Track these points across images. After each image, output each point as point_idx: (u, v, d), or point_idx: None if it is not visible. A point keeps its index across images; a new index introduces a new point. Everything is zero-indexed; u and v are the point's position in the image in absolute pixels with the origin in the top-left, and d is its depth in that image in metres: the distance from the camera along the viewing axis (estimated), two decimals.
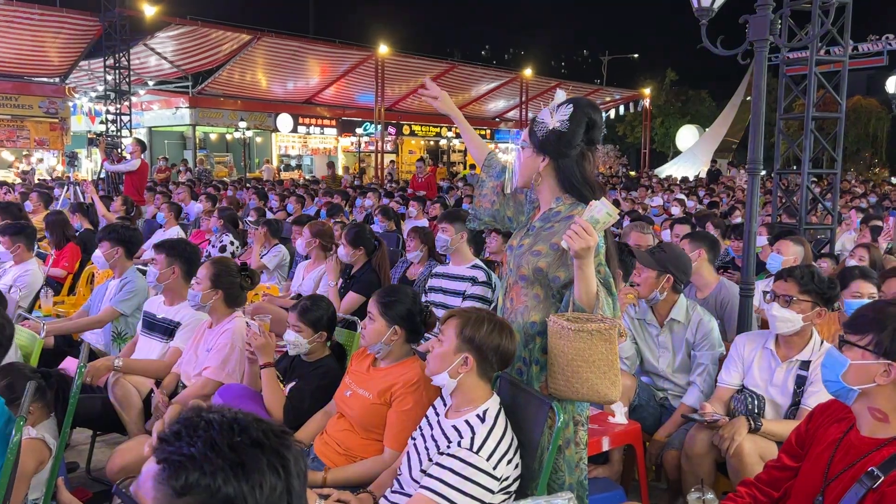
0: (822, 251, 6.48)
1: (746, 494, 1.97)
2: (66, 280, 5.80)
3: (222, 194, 11.71)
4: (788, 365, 2.88)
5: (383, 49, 22.46)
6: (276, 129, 25.68)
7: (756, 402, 2.85)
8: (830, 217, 7.01)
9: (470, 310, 2.31)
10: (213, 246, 6.54)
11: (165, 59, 21.10)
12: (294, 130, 26.09)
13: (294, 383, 3.01)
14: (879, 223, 6.87)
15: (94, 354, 3.77)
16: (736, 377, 3.00)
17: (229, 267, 3.43)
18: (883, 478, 1.62)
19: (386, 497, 2.34)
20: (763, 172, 7.54)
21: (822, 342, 2.88)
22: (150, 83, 22.80)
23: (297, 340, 2.97)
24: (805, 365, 2.83)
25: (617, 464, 3.16)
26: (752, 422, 2.73)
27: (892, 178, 26.02)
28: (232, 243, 6.42)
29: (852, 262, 5.04)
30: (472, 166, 25.78)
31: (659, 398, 3.34)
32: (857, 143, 33.57)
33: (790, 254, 4.41)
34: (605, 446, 2.81)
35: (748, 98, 30.86)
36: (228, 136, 26.23)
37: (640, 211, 10.54)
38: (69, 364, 3.15)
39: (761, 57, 3.29)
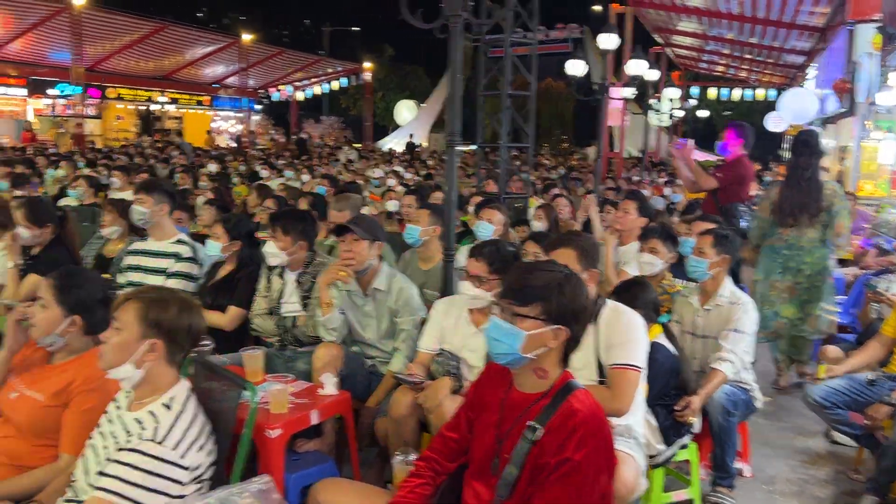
0: (521, 218, 7.24)
1: (426, 469, 2.01)
2: None
3: None
4: (483, 331, 3.06)
5: (79, 1, 19.71)
6: None
7: (456, 364, 2.99)
8: (526, 187, 7.83)
9: (149, 290, 2.10)
10: None
11: None
12: None
13: None
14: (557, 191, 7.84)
15: None
16: (434, 342, 3.07)
17: None
18: (540, 429, 1.76)
19: None
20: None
21: None
22: None
23: None
24: None
25: (329, 435, 3.14)
26: (455, 381, 2.85)
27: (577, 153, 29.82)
28: None
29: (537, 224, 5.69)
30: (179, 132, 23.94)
31: (368, 366, 3.38)
32: (550, 121, 38.01)
33: (496, 222, 4.59)
34: (314, 420, 2.77)
35: (458, 76, 33.02)
36: None
37: (362, 182, 10.79)
38: None
39: (456, 32, 3.46)
